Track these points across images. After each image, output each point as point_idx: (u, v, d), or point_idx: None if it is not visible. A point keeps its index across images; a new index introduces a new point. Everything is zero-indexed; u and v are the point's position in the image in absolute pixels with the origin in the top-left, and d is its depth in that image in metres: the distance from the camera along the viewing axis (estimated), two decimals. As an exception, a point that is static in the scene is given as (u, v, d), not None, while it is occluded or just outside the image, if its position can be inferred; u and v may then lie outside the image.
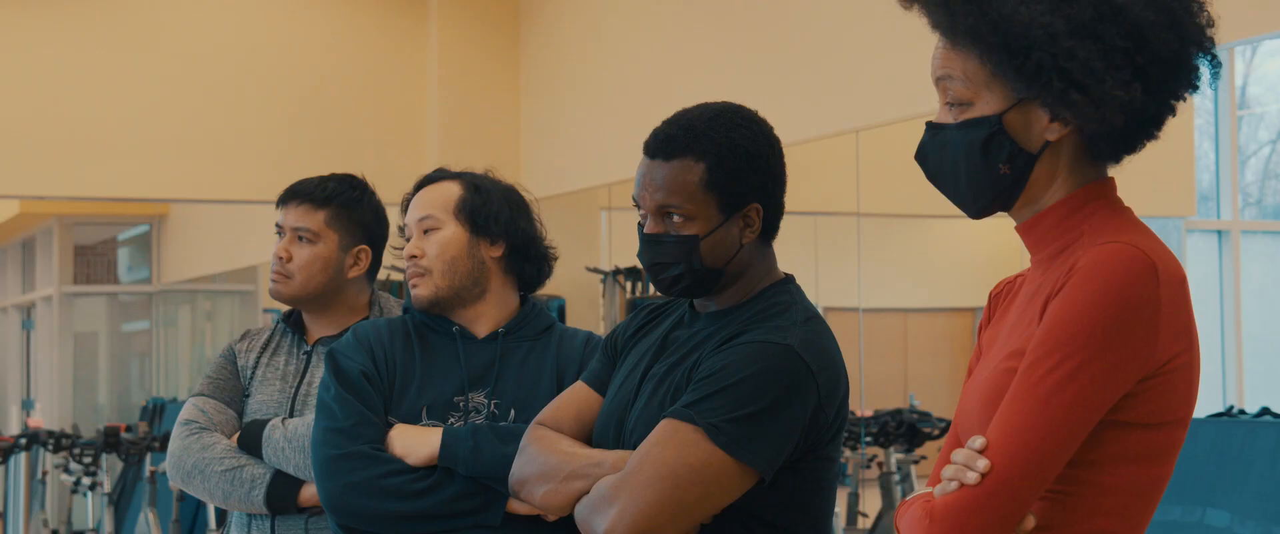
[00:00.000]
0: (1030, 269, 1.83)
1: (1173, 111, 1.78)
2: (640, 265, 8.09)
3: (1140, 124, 1.75)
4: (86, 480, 7.56)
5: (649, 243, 2.21)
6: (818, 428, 2.12)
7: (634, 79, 6.89)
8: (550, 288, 7.53)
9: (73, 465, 7.68)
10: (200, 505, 7.37)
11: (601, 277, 7.65)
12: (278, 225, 3.16)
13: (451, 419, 2.67)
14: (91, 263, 13.76)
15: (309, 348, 3.14)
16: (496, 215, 2.78)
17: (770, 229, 2.24)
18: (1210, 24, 1.75)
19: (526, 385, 2.70)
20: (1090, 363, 1.63)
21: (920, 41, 1.88)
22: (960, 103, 1.79)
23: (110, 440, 7.14)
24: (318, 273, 3.12)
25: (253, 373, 3.15)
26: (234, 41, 7.47)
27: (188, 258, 11.63)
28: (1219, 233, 8.02)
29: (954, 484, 1.65)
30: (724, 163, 2.16)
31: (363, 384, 2.66)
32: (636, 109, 6.81)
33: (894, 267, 7.87)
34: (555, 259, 2.90)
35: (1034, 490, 1.64)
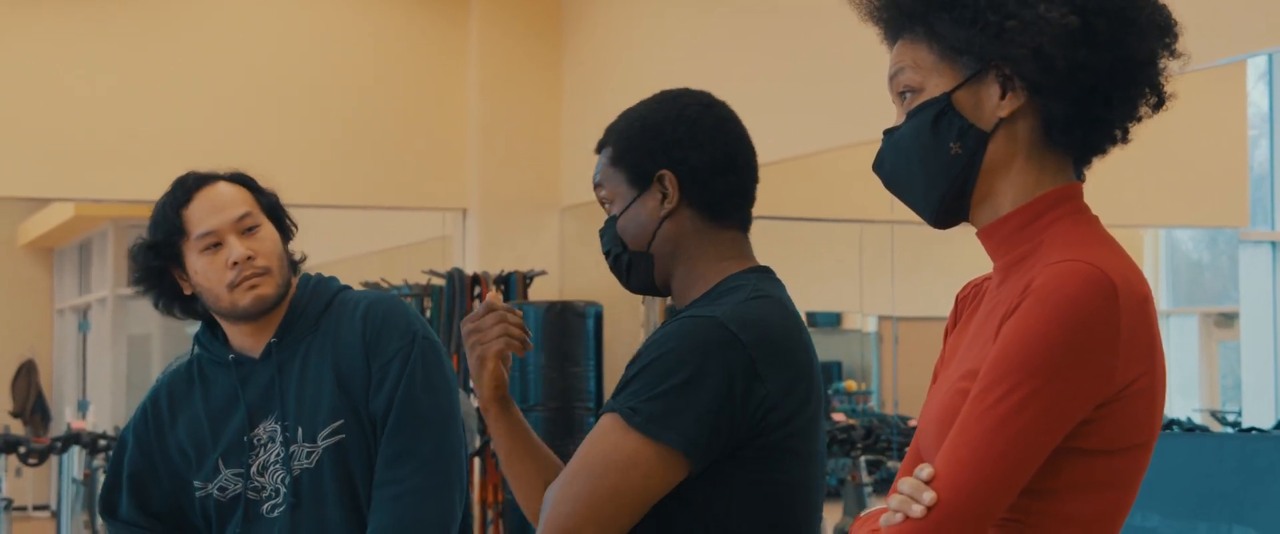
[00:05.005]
0: (993, 275, 1.74)
1: (1134, 96, 1.67)
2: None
3: (1095, 98, 1.65)
4: (125, 482, 7.61)
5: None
6: (758, 401, 1.92)
7: (675, 86, 6.89)
8: (590, 293, 7.55)
9: (111, 466, 7.76)
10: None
11: (641, 283, 7.63)
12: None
13: (250, 461, 2.55)
14: (147, 266, 13.92)
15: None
16: (282, 209, 2.67)
17: (705, 202, 2.06)
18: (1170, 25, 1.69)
19: (309, 402, 2.54)
20: (1043, 390, 1.55)
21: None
22: (911, 90, 1.72)
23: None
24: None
25: None
26: (281, 50, 7.53)
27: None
28: (1274, 244, 7.87)
29: (898, 517, 1.57)
30: (623, 136, 2.10)
31: (125, 500, 2.66)
32: (677, 116, 6.78)
33: (935, 275, 7.85)
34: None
35: (982, 524, 1.56)
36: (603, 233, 2.12)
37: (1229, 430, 7.04)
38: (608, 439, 1.90)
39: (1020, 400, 1.55)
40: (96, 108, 7.26)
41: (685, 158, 2.06)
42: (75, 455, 8.86)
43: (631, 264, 2.09)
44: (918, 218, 1.77)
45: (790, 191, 7.45)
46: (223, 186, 2.59)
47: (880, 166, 1.78)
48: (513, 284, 7.36)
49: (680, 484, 1.91)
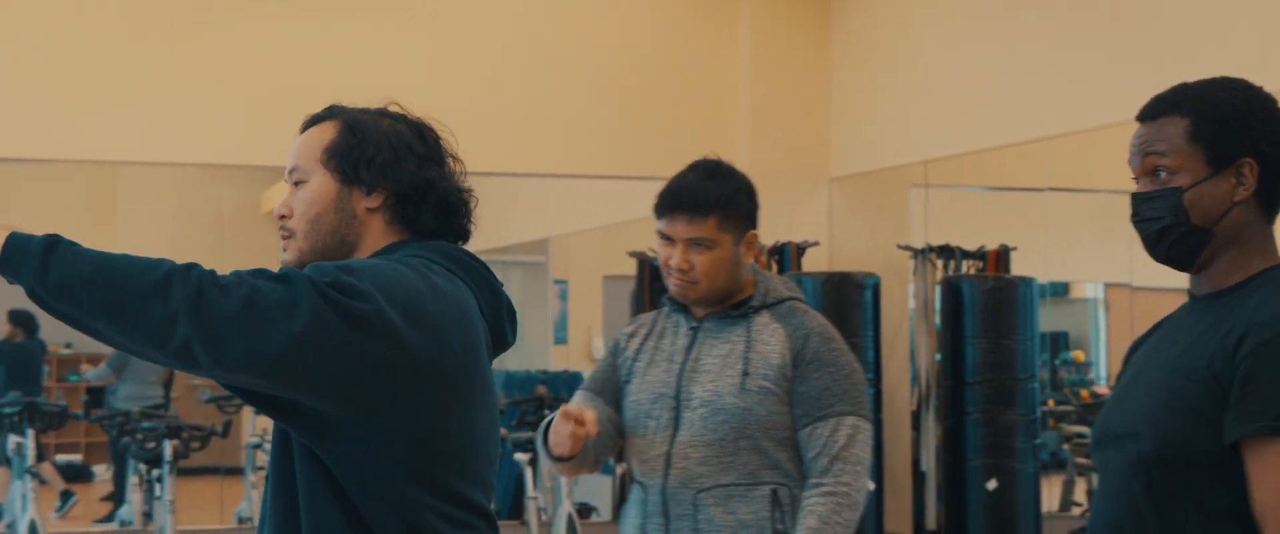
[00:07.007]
0: None
1: None
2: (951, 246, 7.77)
3: None
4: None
5: (1135, 203, 2.23)
6: None
7: (948, 56, 6.85)
8: (860, 265, 7.53)
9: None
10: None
11: (912, 254, 7.66)
12: (662, 232, 3.20)
13: None
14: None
15: (696, 323, 3.29)
16: (371, 159, 2.31)
17: (1269, 195, 2.19)
18: None
19: None
20: None
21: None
22: None
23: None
24: (721, 274, 3.19)
25: (635, 359, 3.35)
26: (560, 26, 7.64)
27: (477, 228, 11.89)
28: None
29: None
30: (1208, 115, 2.17)
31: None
32: (950, 87, 6.81)
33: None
34: (469, 203, 2.42)
35: None
36: (1149, 200, 2.20)
37: None
38: None
39: None
40: (354, 79, 7.19)
41: (1269, 152, 2.18)
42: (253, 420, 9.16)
43: (1184, 237, 2.18)
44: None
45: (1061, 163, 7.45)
46: (305, 134, 2.37)
47: None
48: (786, 255, 7.42)
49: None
